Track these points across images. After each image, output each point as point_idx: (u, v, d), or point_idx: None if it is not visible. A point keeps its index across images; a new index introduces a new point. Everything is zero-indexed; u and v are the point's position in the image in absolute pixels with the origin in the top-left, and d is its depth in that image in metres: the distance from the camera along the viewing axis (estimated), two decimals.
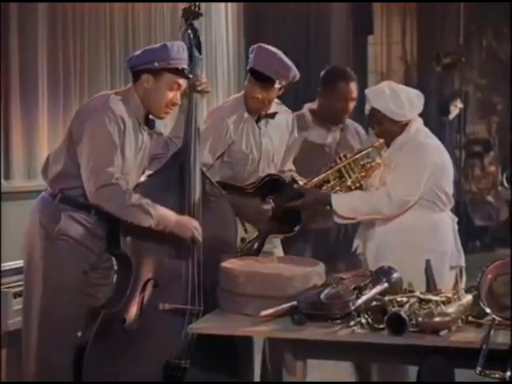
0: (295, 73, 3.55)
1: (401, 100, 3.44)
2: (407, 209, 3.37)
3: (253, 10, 8.67)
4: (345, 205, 3.41)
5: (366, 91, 3.54)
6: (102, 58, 5.72)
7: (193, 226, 3.15)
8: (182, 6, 6.96)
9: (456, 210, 9.26)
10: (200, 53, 3.36)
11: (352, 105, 3.86)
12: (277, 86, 3.52)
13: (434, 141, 3.51)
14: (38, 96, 5.24)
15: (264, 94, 3.53)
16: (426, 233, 3.37)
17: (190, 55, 3.29)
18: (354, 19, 10.03)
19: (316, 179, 3.53)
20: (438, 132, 8.90)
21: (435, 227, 3.41)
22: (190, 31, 3.35)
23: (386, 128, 3.47)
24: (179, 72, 3.16)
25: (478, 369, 2.27)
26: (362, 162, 3.54)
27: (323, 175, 3.53)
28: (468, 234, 9.42)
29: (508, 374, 2.24)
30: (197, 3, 3.36)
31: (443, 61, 9.59)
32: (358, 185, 3.50)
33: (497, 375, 2.26)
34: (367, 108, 3.52)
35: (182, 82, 3.19)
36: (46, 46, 5.24)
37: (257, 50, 3.55)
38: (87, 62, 5.50)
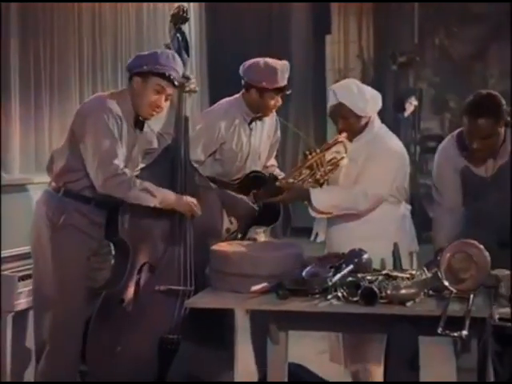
0: None
1: (366, 96, 3.62)
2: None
3: (214, 9, 8.95)
4: (324, 201, 3.55)
5: (333, 87, 3.68)
6: (70, 58, 5.97)
7: (191, 202, 3.47)
8: (146, 6, 7.19)
9: (411, 203, 9.66)
10: (188, 55, 3.67)
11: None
12: None
13: (397, 140, 3.71)
14: (11, 95, 5.48)
15: (279, 99, 3.97)
16: (389, 224, 3.60)
17: (180, 57, 3.58)
18: (313, 19, 10.31)
19: (291, 175, 3.68)
20: (393, 128, 9.26)
21: (397, 218, 3.66)
22: (178, 35, 3.66)
23: (351, 123, 3.62)
24: (165, 77, 3.46)
25: (440, 329, 2.65)
26: (329, 157, 3.68)
27: (297, 170, 3.67)
28: (423, 225, 9.82)
29: (464, 332, 2.64)
30: (185, 8, 3.67)
31: (399, 59, 9.81)
32: (326, 178, 3.65)
33: (455, 334, 2.65)
34: (331, 103, 3.64)
35: (167, 86, 3.48)
36: (17, 46, 5.45)
37: (272, 68, 3.92)
38: (57, 62, 5.73)
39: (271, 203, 3.84)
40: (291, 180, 3.63)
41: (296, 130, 6.10)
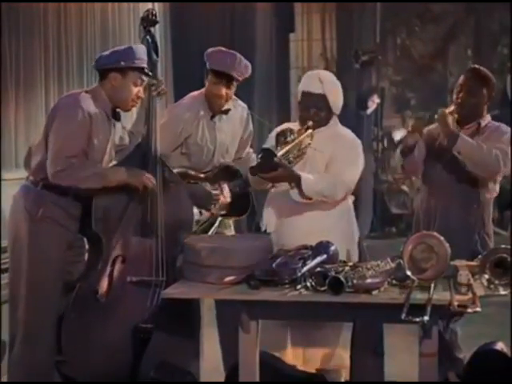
0: (250, 70, 4.05)
1: (342, 97, 3.74)
2: None
3: (179, 8, 9.02)
4: (312, 187, 3.58)
5: (321, 76, 3.67)
6: (36, 55, 6.02)
7: (143, 175, 3.56)
8: (111, 5, 7.24)
9: (374, 199, 9.84)
10: (157, 56, 3.77)
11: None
12: (236, 83, 4.01)
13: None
14: None
15: (228, 91, 4.02)
16: (341, 217, 3.74)
17: (150, 58, 3.71)
18: (277, 17, 10.41)
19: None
20: (356, 125, 9.44)
21: (347, 211, 3.80)
22: (148, 37, 3.76)
23: (322, 116, 3.68)
24: (142, 70, 3.61)
25: (403, 315, 2.81)
26: (298, 146, 3.66)
27: (284, 150, 3.59)
28: (384, 220, 10.01)
29: (426, 318, 2.80)
30: (154, 12, 3.78)
31: (361, 58, 9.97)
32: (295, 162, 3.64)
33: (417, 319, 2.81)
34: (313, 91, 3.62)
35: (145, 78, 3.64)
36: None
37: (218, 52, 4.02)
38: (22, 61, 5.80)
39: (242, 194, 3.93)
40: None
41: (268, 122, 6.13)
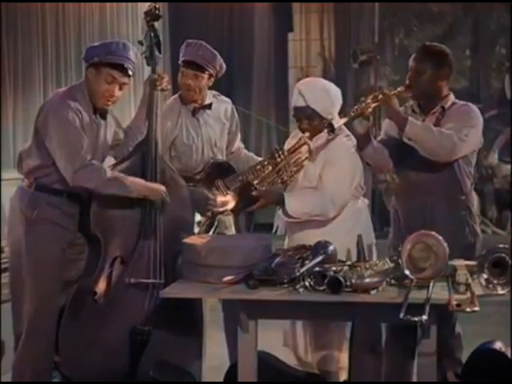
0: (221, 62, 4.04)
1: (332, 99, 3.70)
2: None
3: (177, 7, 9.02)
4: (297, 207, 3.63)
5: (300, 88, 3.67)
6: (34, 55, 6.03)
7: (161, 190, 3.58)
8: (109, 3, 7.26)
9: (372, 198, 9.84)
10: (160, 52, 3.75)
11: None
12: (206, 74, 4.00)
13: (350, 135, 3.76)
14: None
15: (195, 81, 4.00)
16: (348, 219, 3.72)
17: (151, 54, 3.71)
18: (275, 17, 10.45)
19: (262, 179, 3.73)
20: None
21: (355, 213, 3.77)
22: (151, 32, 3.75)
23: (315, 124, 3.68)
24: (116, 67, 3.55)
25: (402, 314, 2.80)
26: (294, 158, 3.71)
27: (268, 174, 3.72)
28: (382, 219, 10.01)
29: (424, 317, 2.80)
30: (157, 6, 3.73)
31: (360, 58, 9.99)
32: (292, 179, 3.72)
33: (416, 318, 2.81)
34: (298, 105, 3.66)
35: (120, 76, 3.57)
36: None
37: (186, 44, 4.04)
38: (20, 61, 5.80)
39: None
40: (264, 185, 3.72)
41: (259, 116, 6.13)
